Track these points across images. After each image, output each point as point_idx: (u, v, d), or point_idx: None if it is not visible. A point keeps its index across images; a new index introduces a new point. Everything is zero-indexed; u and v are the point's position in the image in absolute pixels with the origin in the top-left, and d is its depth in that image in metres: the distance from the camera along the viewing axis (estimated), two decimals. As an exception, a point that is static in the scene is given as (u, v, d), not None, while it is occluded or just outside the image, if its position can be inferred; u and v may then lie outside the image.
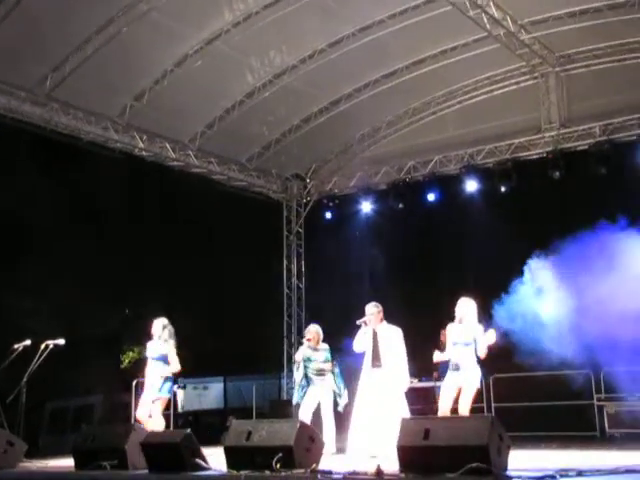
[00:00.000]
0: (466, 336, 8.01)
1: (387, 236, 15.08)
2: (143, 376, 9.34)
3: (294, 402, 9.97)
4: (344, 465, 6.24)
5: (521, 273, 10.59)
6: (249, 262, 15.58)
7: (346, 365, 10.13)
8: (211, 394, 19.67)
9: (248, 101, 14.32)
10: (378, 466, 5.29)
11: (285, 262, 17.07)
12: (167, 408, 9.56)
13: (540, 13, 12.44)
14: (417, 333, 10.19)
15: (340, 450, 9.01)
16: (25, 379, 9.31)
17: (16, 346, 9.34)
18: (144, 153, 14.31)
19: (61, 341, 9.53)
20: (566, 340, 9.86)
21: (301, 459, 5.81)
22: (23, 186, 13.47)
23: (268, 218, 17.02)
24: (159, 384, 8.87)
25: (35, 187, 13.99)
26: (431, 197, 15.04)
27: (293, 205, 17.24)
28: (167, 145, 14.45)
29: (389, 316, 9.20)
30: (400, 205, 15.29)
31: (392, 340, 8.83)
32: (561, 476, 5.06)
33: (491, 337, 7.84)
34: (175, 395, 15.80)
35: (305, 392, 9.66)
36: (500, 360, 12.15)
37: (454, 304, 8.28)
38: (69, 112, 12.96)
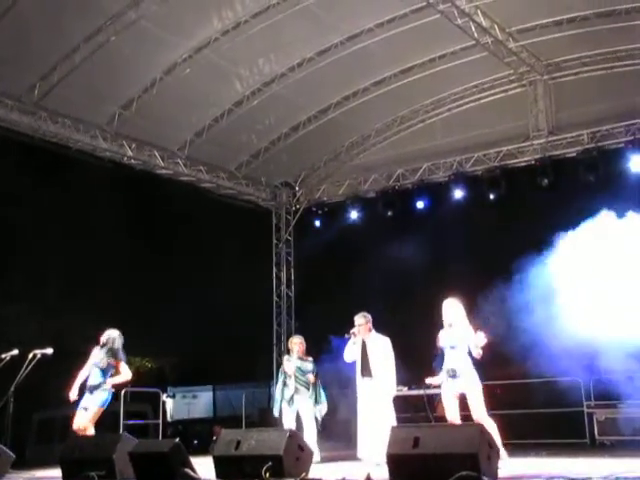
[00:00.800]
0: (458, 339, 7.87)
1: (376, 244, 15.07)
2: (132, 386, 9.29)
3: (276, 414, 10.06)
4: (334, 473, 6.22)
5: (510, 280, 10.59)
6: (238, 270, 15.52)
7: (334, 368, 10.20)
8: (200, 403, 19.58)
9: (237, 109, 14.33)
10: (368, 474, 5.27)
11: (274, 270, 17.05)
12: (143, 417, 9.53)
13: (528, 21, 12.52)
14: (406, 341, 10.19)
15: (325, 459, 9.07)
16: (12, 389, 9.23)
17: (3, 355, 9.26)
18: (133, 161, 14.28)
19: (49, 350, 9.45)
20: (556, 348, 9.86)
21: (290, 468, 5.79)
22: (10, 195, 13.39)
23: (257, 226, 16.99)
24: (96, 393, 8.85)
25: (23, 196, 13.91)
26: (420, 205, 15.07)
27: (282, 213, 17.23)
28: (156, 153, 14.42)
29: (378, 325, 9.24)
30: (389, 213, 15.32)
31: (381, 350, 8.91)
32: (551, 484, 5.05)
33: (481, 339, 7.78)
34: (164, 404, 15.74)
35: (288, 400, 9.77)
36: (490, 368, 12.18)
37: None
38: (57, 120, 12.91)
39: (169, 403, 17.30)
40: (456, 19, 11.63)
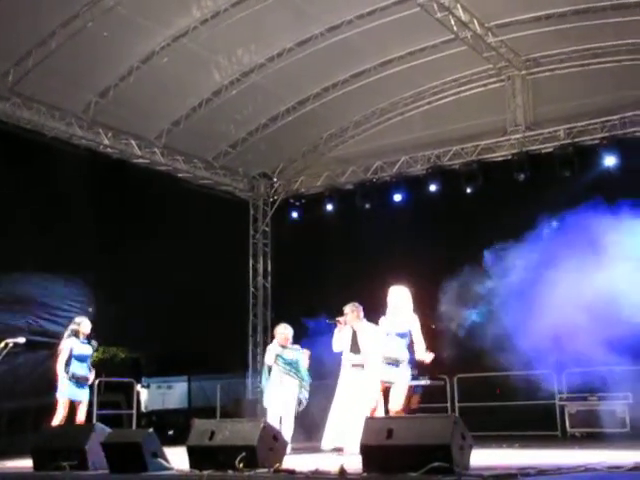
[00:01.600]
0: (400, 326, 7.65)
1: (353, 236, 15.09)
2: (106, 375, 9.27)
3: (265, 405, 9.88)
4: (307, 464, 6.23)
5: (484, 273, 10.67)
6: (215, 261, 15.44)
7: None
8: (175, 393, 19.50)
9: (215, 99, 14.26)
10: (341, 465, 5.29)
11: (251, 261, 17.03)
12: (117, 408, 9.58)
13: (507, 16, 12.58)
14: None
15: (298, 450, 9.04)
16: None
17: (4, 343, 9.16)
18: (109, 150, 14.17)
19: (21, 339, 9.36)
20: (528, 340, 9.95)
21: (264, 459, 5.77)
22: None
23: (234, 217, 16.91)
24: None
25: (-4, 183, 13.73)
26: (397, 197, 15.11)
27: (260, 204, 17.20)
28: (132, 142, 14.32)
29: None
30: (367, 205, 15.35)
31: (371, 339, 8.81)
32: (522, 475, 5.08)
33: (426, 357, 7.69)
34: (138, 394, 15.65)
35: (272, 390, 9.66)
36: (463, 360, 12.28)
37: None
38: (32, 107, 12.78)
39: (143, 393, 17.19)
40: (436, 13, 11.66)
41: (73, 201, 14.00)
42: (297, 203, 16.53)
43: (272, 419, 9.13)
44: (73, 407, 9.24)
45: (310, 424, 10.34)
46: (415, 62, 13.95)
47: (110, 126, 13.91)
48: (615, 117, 13.02)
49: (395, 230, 14.37)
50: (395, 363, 7.57)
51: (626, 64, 13.10)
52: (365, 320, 9.03)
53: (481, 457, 5.91)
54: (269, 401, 9.69)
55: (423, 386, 10.27)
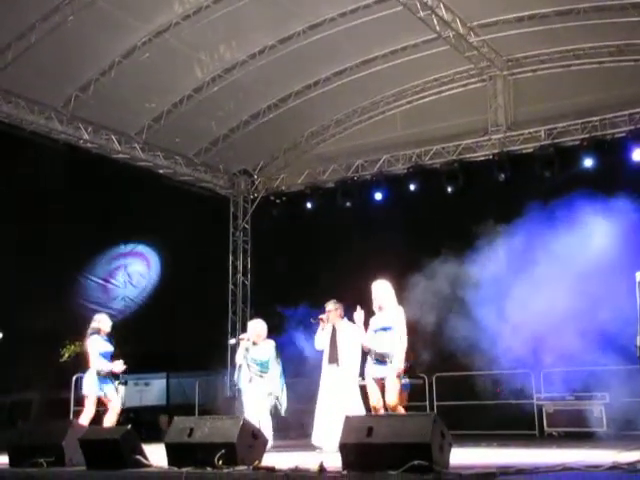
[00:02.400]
0: (390, 321, 7.60)
1: (334, 234, 15.08)
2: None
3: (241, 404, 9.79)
4: (287, 462, 6.21)
5: (464, 272, 10.70)
6: (194, 257, 15.39)
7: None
8: (153, 390, 19.39)
9: (197, 95, 14.19)
10: (321, 463, 5.27)
11: (231, 258, 16.98)
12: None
13: (489, 16, 12.63)
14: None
15: (277, 448, 9.01)
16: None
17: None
18: (89, 145, 14.06)
19: (-2, 335, 9.28)
20: (507, 340, 10.00)
21: (244, 456, 5.76)
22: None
23: (214, 213, 16.86)
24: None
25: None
26: (378, 196, 15.13)
27: (240, 201, 17.15)
28: (113, 137, 14.21)
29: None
30: (348, 203, 15.36)
31: (350, 337, 8.81)
32: (501, 473, 5.10)
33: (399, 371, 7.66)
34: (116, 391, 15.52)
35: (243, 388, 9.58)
36: (441, 359, 12.32)
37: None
38: (11, 100, 12.65)
39: (121, 390, 17.06)
40: (418, 12, 11.67)
41: (50, 196, 13.88)
42: (278, 201, 16.48)
43: (250, 417, 9.07)
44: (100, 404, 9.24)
45: (291, 421, 10.33)
46: (397, 61, 13.97)
47: (90, 121, 13.79)
48: (596, 118, 13.13)
49: (376, 229, 14.38)
50: (383, 360, 7.52)
51: (607, 66, 13.21)
52: (346, 319, 9.03)
53: (460, 456, 5.92)
54: (245, 399, 9.62)
55: (410, 384, 10.29)
